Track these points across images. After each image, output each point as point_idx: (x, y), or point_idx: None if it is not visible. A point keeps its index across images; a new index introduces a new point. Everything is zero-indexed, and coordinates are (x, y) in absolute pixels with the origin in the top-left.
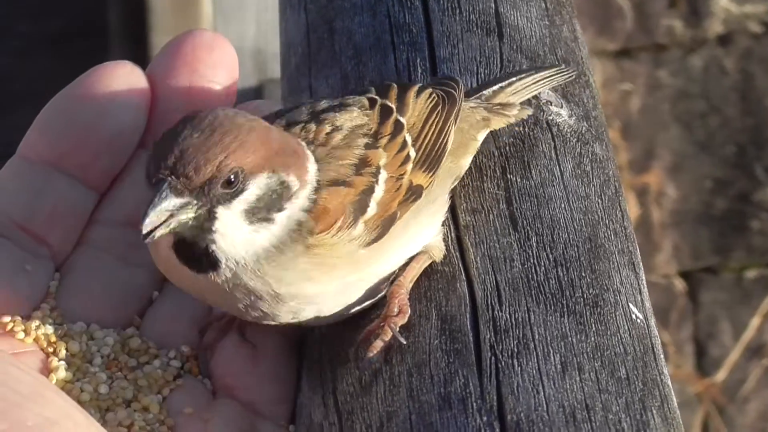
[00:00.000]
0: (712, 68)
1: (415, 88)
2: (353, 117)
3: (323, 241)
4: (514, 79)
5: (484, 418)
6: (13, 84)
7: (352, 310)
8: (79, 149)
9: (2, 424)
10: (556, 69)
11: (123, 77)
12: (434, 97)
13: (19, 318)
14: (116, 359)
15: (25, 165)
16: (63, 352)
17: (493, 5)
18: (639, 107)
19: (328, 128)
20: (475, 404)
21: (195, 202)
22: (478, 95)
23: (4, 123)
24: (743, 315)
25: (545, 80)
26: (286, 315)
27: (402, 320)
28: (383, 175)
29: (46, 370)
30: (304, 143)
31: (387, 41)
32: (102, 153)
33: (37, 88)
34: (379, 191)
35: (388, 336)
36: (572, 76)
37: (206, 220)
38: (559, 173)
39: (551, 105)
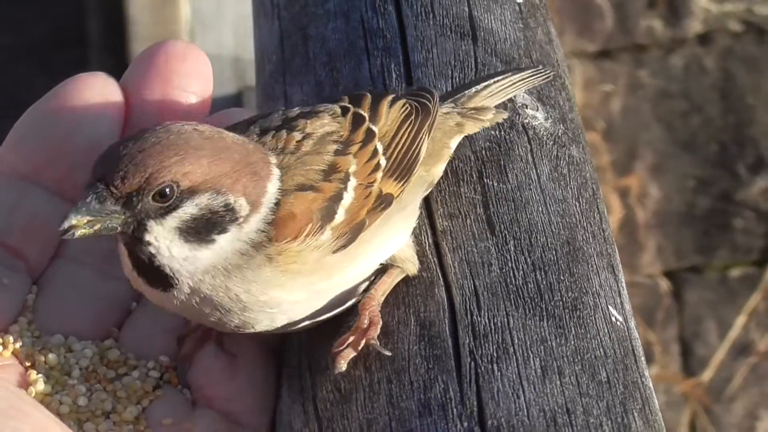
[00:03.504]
0: (692, 68)
1: (389, 98)
2: (324, 123)
3: (288, 249)
4: (489, 81)
5: (465, 424)
6: None
7: (327, 315)
8: (54, 162)
9: None
10: (532, 70)
11: (97, 89)
12: (407, 108)
13: None
14: (95, 371)
15: (0, 179)
16: (41, 365)
17: (466, 9)
18: (620, 108)
19: (298, 136)
20: (455, 410)
21: (121, 210)
22: (452, 99)
23: None
24: (728, 314)
25: (522, 82)
26: (259, 324)
27: (374, 332)
28: (352, 183)
29: (25, 384)
30: (273, 157)
31: (361, 47)
32: (77, 165)
33: (18, 99)
34: (348, 198)
35: (358, 347)
36: (550, 76)
37: (136, 232)
38: (535, 176)
39: (527, 108)
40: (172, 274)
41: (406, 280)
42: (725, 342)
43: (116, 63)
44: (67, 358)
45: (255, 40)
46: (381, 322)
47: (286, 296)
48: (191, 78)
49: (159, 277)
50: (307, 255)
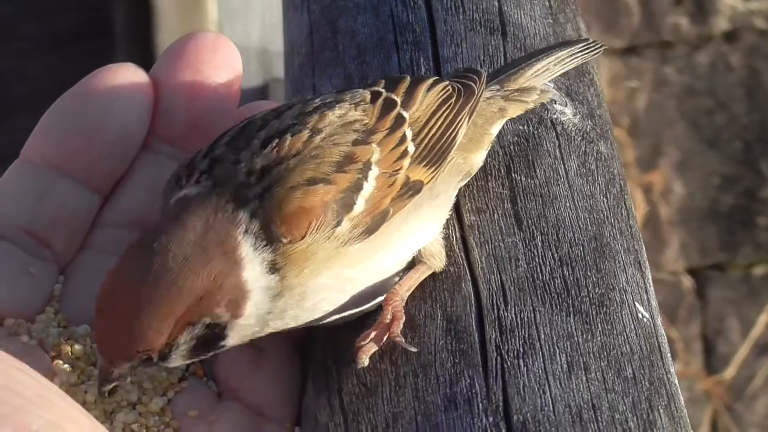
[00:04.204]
0: (718, 65)
1: (429, 81)
2: (342, 114)
3: (294, 250)
4: (533, 60)
5: (490, 419)
6: (17, 85)
7: (356, 309)
8: (83, 152)
9: (6, 428)
10: (582, 44)
11: (126, 79)
12: (448, 90)
13: (22, 321)
14: None
15: (29, 168)
16: (67, 355)
17: (496, 4)
18: (645, 104)
19: (306, 135)
20: (480, 404)
21: (124, 369)
22: (497, 80)
23: (9, 123)
24: (751, 312)
25: (570, 58)
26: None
27: (397, 328)
28: (374, 172)
29: (50, 373)
30: (241, 231)
31: (390, 41)
32: (106, 155)
33: (43, 89)
34: (369, 188)
35: (381, 342)
36: (600, 51)
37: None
38: (563, 172)
39: (555, 103)
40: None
41: (433, 275)
42: (748, 340)
43: (142, 54)
44: (93, 349)
45: (284, 32)
46: (404, 318)
47: (309, 293)
48: (221, 70)
49: None
50: (319, 246)
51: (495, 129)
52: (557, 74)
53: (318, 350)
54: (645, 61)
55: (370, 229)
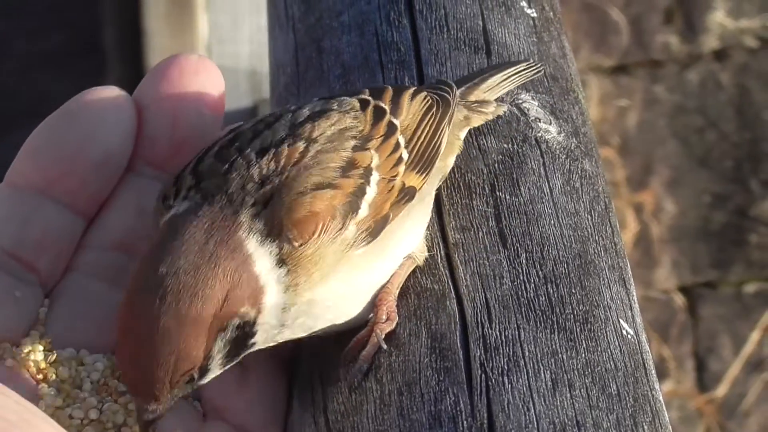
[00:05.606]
0: (708, 83)
1: (410, 91)
2: (335, 122)
3: (303, 254)
4: (485, 75)
5: None
6: (10, 103)
7: (358, 314)
8: (67, 174)
9: None
10: (525, 64)
11: (110, 102)
12: (428, 100)
13: (7, 345)
14: (106, 384)
15: (13, 191)
16: (52, 379)
17: (480, 23)
18: (636, 123)
19: (302, 146)
20: (465, 422)
21: (160, 408)
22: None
23: (1, 142)
24: (743, 329)
25: (516, 75)
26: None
27: (389, 327)
28: (375, 177)
29: (35, 397)
30: (245, 215)
31: (375, 60)
32: (90, 178)
33: (35, 107)
34: (371, 193)
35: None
36: (541, 71)
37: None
38: (548, 190)
39: (540, 122)
40: None
41: (418, 292)
42: (739, 358)
43: (132, 73)
44: (78, 372)
45: (270, 52)
46: (397, 318)
47: (322, 295)
48: (205, 92)
49: None
50: (327, 249)
51: (462, 134)
52: (506, 90)
53: (304, 368)
54: (635, 79)
55: (374, 233)
